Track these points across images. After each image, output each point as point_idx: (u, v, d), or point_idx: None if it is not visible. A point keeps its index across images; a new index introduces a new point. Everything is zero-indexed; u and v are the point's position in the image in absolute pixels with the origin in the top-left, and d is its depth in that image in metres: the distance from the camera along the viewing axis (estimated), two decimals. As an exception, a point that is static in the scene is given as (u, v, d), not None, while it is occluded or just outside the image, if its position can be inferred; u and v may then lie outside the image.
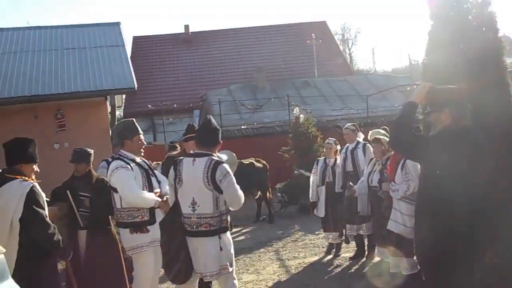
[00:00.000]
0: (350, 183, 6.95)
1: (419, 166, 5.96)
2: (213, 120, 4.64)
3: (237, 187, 4.39)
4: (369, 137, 7.16)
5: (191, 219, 4.36)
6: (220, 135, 4.61)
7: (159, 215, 5.21)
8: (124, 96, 17.56)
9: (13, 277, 3.11)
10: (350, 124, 8.01)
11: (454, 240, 3.56)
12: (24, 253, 3.87)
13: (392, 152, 6.33)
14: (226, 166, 4.35)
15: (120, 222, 5.00)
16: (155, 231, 5.04)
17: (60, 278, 4.47)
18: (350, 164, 7.57)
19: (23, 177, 4.11)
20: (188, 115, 21.59)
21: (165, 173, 5.66)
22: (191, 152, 4.87)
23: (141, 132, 5.25)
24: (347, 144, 7.72)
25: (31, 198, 3.97)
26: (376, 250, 7.04)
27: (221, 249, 4.33)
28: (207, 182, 4.27)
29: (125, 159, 5.05)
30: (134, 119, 5.35)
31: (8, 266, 3.52)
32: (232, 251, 4.57)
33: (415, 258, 5.97)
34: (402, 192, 5.91)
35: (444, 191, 3.59)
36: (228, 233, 4.48)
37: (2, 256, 2.98)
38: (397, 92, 18.32)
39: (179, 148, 9.34)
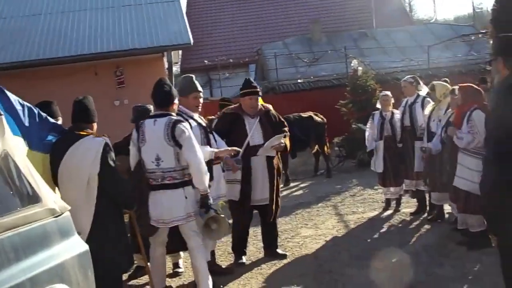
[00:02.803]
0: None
1: (485, 118, 5.74)
2: (165, 81, 4.86)
3: (196, 144, 4.59)
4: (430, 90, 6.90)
5: (156, 173, 4.66)
6: (173, 95, 4.79)
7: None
8: (180, 52, 17.62)
9: (90, 231, 3.22)
10: (409, 76, 7.69)
11: None
12: (100, 207, 4.00)
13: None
14: (185, 124, 4.63)
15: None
16: (214, 187, 5.12)
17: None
18: (408, 119, 7.31)
19: (93, 133, 4.21)
20: (244, 69, 21.50)
21: (220, 130, 5.74)
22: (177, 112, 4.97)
23: (199, 89, 5.24)
24: (407, 98, 7.45)
25: (107, 153, 4.07)
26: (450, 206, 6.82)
27: (186, 197, 4.64)
28: (167, 139, 4.56)
29: (183, 115, 5.06)
30: (193, 76, 5.32)
31: (86, 220, 3.69)
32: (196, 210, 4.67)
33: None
34: (466, 142, 5.69)
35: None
36: (191, 187, 4.65)
37: (68, 213, 3.06)
38: (460, 42, 17.51)
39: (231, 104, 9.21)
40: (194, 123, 5.11)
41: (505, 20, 5.02)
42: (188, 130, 4.62)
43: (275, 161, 5.97)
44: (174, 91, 4.89)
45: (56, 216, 2.90)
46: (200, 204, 4.66)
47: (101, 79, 11.57)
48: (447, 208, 7.01)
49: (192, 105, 5.22)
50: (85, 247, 3.07)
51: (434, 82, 6.88)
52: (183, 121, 4.68)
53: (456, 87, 6.41)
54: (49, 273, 2.64)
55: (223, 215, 4.76)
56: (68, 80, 11.17)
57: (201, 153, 4.66)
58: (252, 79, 6.31)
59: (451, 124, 6.21)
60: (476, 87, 6.04)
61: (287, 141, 5.98)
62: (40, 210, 2.77)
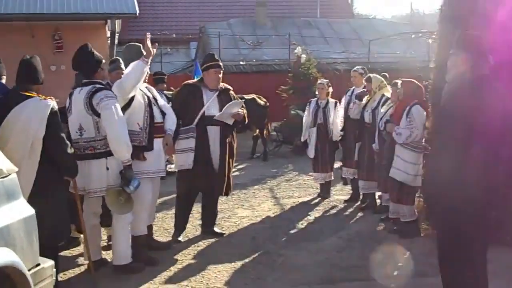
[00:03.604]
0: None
1: (424, 114, 5.99)
2: (89, 47, 4.77)
3: (115, 112, 4.50)
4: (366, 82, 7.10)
5: (79, 143, 4.65)
6: (96, 62, 4.73)
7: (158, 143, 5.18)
8: (119, 21, 17.09)
9: (30, 196, 3.07)
10: (359, 67, 7.85)
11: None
12: (41, 172, 3.84)
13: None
14: (107, 92, 4.59)
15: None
16: (153, 160, 5.05)
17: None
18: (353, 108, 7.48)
19: (40, 96, 4.02)
20: (185, 46, 21.14)
21: (177, 99, 5.85)
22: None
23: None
24: (353, 87, 7.61)
25: (53, 117, 3.90)
26: (378, 196, 7.06)
27: (107, 168, 4.62)
28: (86, 107, 4.54)
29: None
30: (141, 45, 5.18)
31: (27, 184, 3.52)
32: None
33: (414, 205, 6.07)
34: (404, 137, 5.92)
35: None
36: (115, 158, 4.62)
37: (15, 175, 2.91)
38: (399, 40, 18.05)
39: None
40: (139, 92, 5.01)
41: (455, 16, 5.21)
42: (110, 99, 4.53)
43: (229, 138, 5.93)
44: (98, 58, 4.78)
45: (2, 177, 2.75)
46: (122, 174, 4.62)
47: (38, 42, 11.03)
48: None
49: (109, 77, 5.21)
50: (31, 211, 2.94)
51: (371, 75, 7.14)
52: (105, 89, 4.61)
53: (398, 80, 6.64)
54: (-7, 236, 2.51)
55: (133, 199, 4.69)
56: (1, 40, 10.57)
57: (123, 121, 4.57)
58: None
59: (390, 120, 6.43)
60: (418, 83, 6.27)
61: (245, 112, 5.98)
62: (-15, 170, 2.63)
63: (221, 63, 5.93)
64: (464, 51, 3.44)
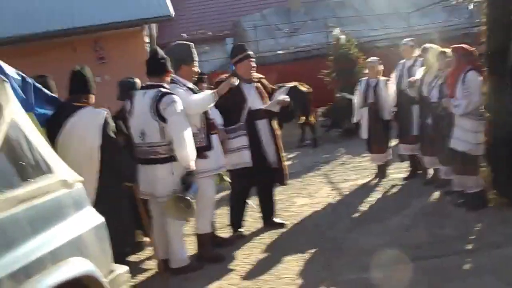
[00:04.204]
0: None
1: (480, 79, 5.73)
2: (159, 50, 4.77)
3: (181, 118, 4.45)
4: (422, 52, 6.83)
5: (142, 148, 4.61)
6: (168, 65, 4.70)
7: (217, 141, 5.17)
8: (155, 25, 17.24)
9: (94, 206, 3.08)
10: (408, 39, 7.60)
11: None
12: (102, 181, 3.87)
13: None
14: (174, 97, 4.47)
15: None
16: (213, 158, 5.02)
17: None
18: (406, 82, 7.25)
19: (93, 105, 4.06)
20: (221, 43, 21.17)
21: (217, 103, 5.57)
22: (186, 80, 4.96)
23: (196, 58, 5.11)
24: (404, 60, 7.37)
25: (108, 125, 3.93)
26: (439, 170, 6.83)
27: (172, 173, 4.56)
28: (152, 112, 4.47)
29: (180, 84, 4.92)
30: (191, 44, 5.15)
31: (89, 194, 3.53)
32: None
33: (479, 175, 5.83)
34: (463, 107, 5.67)
35: None
36: (179, 163, 4.52)
37: (81, 184, 2.93)
38: (439, 8, 17.48)
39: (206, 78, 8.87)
40: (189, 92, 4.98)
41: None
42: (177, 103, 4.47)
43: (275, 125, 5.88)
44: (168, 62, 4.75)
45: (69, 188, 2.76)
46: (182, 180, 4.52)
47: (80, 56, 11.18)
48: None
49: (192, 74, 5.12)
50: (101, 219, 2.95)
51: (427, 45, 6.80)
52: (172, 94, 4.53)
53: (446, 49, 6.38)
54: (68, 247, 2.52)
55: (194, 203, 4.56)
56: (45, 57, 10.78)
57: (188, 127, 4.51)
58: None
59: (443, 88, 6.19)
60: (469, 48, 6.01)
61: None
62: (52, 182, 2.64)
63: (251, 52, 5.79)
64: None
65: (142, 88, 4.79)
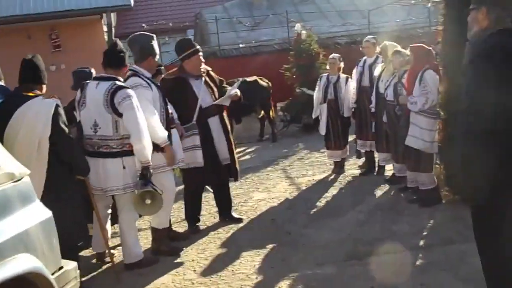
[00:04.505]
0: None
1: (437, 78, 5.83)
2: (119, 43, 4.68)
3: (138, 113, 4.37)
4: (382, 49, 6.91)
5: (93, 140, 4.49)
6: (126, 59, 4.63)
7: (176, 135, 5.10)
8: (114, 15, 16.92)
9: (42, 197, 2.98)
10: (370, 36, 7.68)
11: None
12: (51, 173, 3.75)
13: (409, 65, 6.14)
14: (129, 91, 4.39)
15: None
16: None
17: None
18: (367, 79, 7.29)
19: (43, 95, 3.92)
20: (182, 34, 20.92)
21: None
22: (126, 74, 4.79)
23: (158, 51, 5.04)
24: (365, 58, 7.44)
25: (58, 116, 3.80)
26: (392, 166, 6.96)
27: (124, 167, 4.47)
28: (106, 105, 4.36)
29: (143, 76, 4.82)
30: (153, 35, 5.04)
31: (37, 186, 3.42)
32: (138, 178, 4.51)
33: (433, 173, 5.94)
34: (420, 104, 5.77)
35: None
36: (132, 157, 4.48)
37: (28, 178, 2.82)
38: (399, 7, 17.74)
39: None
40: (154, 87, 4.89)
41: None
42: (133, 98, 4.38)
43: (227, 120, 5.86)
44: (127, 56, 4.67)
45: (16, 181, 2.66)
46: (140, 175, 4.47)
47: (35, 43, 10.90)
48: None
49: (154, 67, 5.04)
50: (48, 213, 2.85)
51: (386, 42, 6.89)
52: (127, 88, 4.44)
53: (400, 48, 6.49)
54: (13, 242, 2.42)
55: (160, 192, 4.56)
56: (-3, 43, 10.46)
57: (144, 121, 4.43)
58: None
59: (398, 86, 6.29)
60: (428, 47, 6.11)
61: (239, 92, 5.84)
62: (-3, 175, 2.53)
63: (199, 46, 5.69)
64: (485, 3, 3.21)
65: (95, 79, 4.65)
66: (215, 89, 5.75)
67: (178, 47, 5.65)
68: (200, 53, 5.61)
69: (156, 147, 4.74)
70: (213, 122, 5.66)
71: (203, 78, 5.66)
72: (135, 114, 4.35)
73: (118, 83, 4.43)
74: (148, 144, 4.43)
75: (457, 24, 5.21)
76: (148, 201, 4.51)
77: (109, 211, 4.93)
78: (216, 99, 5.67)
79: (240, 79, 8.40)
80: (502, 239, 3.01)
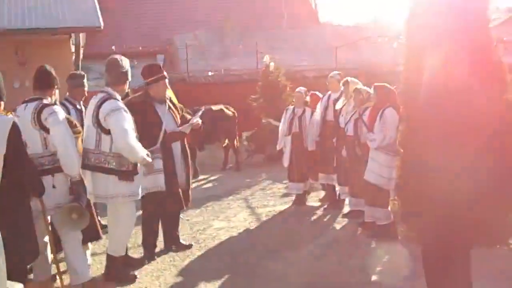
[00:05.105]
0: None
1: (397, 117, 5.98)
2: (48, 67, 4.74)
3: (64, 128, 4.46)
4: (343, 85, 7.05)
5: None
6: (56, 81, 4.69)
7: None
8: (83, 35, 16.78)
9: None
10: (336, 72, 7.85)
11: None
12: (3, 192, 3.64)
13: (372, 103, 6.28)
14: (55, 107, 4.50)
15: (105, 168, 4.75)
16: (138, 183, 4.92)
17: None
18: (331, 114, 7.42)
19: (0, 112, 3.84)
20: (152, 59, 20.91)
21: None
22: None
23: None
24: (329, 92, 7.58)
25: (15, 133, 3.71)
26: (347, 200, 7.06)
27: (53, 186, 4.45)
28: (34, 122, 4.41)
29: (118, 100, 4.81)
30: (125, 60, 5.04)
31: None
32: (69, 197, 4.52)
33: (389, 208, 6.03)
34: (378, 141, 5.91)
35: None
36: (62, 174, 4.49)
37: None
38: (366, 45, 18.20)
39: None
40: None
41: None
42: (59, 114, 4.45)
43: (187, 147, 5.89)
44: (55, 77, 4.69)
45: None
46: (70, 191, 4.49)
47: (0, 58, 10.70)
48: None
49: (124, 91, 5.08)
50: (-4, 234, 2.77)
51: (348, 78, 7.06)
52: (52, 105, 4.51)
53: (360, 86, 6.65)
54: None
55: (87, 211, 4.51)
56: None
57: (71, 137, 4.49)
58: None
59: (358, 123, 6.43)
60: (390, 86, 6.27)
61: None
62: None
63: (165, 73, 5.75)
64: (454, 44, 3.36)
65: (24, 102, 4.65)
66: (178, 115, 5.80)
67: (147, 71, 5.66)
68: (167, 80, 5.65)
69: (122, 175, 4.72)
70: (176, 147, 5.66)
71: (167, 104, 5.67)
72: (62, 128, 4.42)
73: (44, 101, 4.51)
74: (76, 158, 4.49)
75: (415, 66, 5.36)
76: (74, 216, 4.44)
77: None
78: (178, 126, 5.70)
79: (203, 108, 8.41)
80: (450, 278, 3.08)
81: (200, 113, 6.10)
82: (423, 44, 4.17)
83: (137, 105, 5.46)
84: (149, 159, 4.91)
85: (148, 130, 5.38)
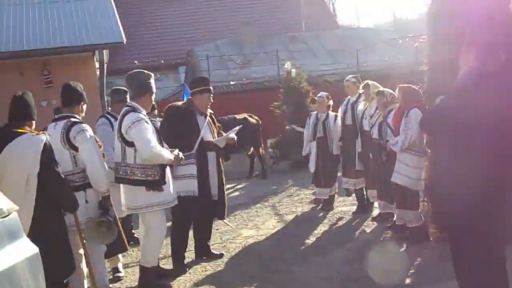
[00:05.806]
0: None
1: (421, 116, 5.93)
2: (73, 83, 4.82)
3: (92, 145, 4.54)
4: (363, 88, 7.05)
5: None
6: (78, 96, 4.72)
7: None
8: (107, 52, 17.06)
9: (30, 233, 2.99)
10: (351, 76, 7.84)
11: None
12: (39, 209, 3.75)
13: (396, 105, 6.25)
14: (83, 125, 4.56)
15: (132, 180, 4.86)
16: (167, 192, 5.00)
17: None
18: (350, 118, 7.41)
19: (32, 131, 3.96)
20: (174, 71, 21.17)
21: (171, 123, 5.64)
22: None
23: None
24: (348, 97, 7.58)
25: (47, 152, 3.83)
26: (377, 204, 7.01)
27: (86, 201, 4.54)
28: (63, 141, 4.50)
29: (141, 112, 4.90)
30: (148, 74, 5.14)
31: (25, 222, 3.41)
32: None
33: (419, 210, 5.99)
34: (400, 143, 5.87)
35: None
36: (93, 189, 4.58)
37: (16, 213, 2.83)
38: (386, 46, 18.13)
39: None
40: (149, 122, 4.99)
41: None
42: (87, 132, 4.54)
43: (221, 159, 5.99)
44: (81, 92, 4.76)
45: (3, 217, 2.67)
46: (99, 205, 4.59)
47: (27, 79, 10.94)
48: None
49: (150, 104, 5.18)
50: (35, 249, 2.86)
51: (368, 81, 7.06)
52: (81, 123, 4.60)
53: (382, 88, 6.62)
54: (-1, 278, 2.43)
55: (115, 227, 4.60)
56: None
57: (99, 154, 4.57)
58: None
59: (383, 126, 6.39)
60: (415, 87, 6.24)
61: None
62: (-15, 211, 2.55)
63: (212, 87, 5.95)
64: (474, 46, 3.36)
65: (53, 120, 4.78)
66: (215, 131, 5.95)
67: (194, 81, 6.11)
68: (212, 94, 5.84)
69: (149, 185, 4.82)
70: (211, 156, 5.79)
71: (208, 117, 5.82)
72: (89, 146, 4.50)
73: (72, 119, 4.59)
74: (105, 174, 4.57)
75: (441, 67, 5.34)
76: (103, 230, 4.54)
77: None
78: (214, 137, 5.88)
79: (237, 127, 8.49)
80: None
81: (237, 128, 6.18)
82: (448, 41, 4.17)
83: (180, 110, 5.77)
84: (175, 153, 4.98)
85: (187, 135, 5.59)
